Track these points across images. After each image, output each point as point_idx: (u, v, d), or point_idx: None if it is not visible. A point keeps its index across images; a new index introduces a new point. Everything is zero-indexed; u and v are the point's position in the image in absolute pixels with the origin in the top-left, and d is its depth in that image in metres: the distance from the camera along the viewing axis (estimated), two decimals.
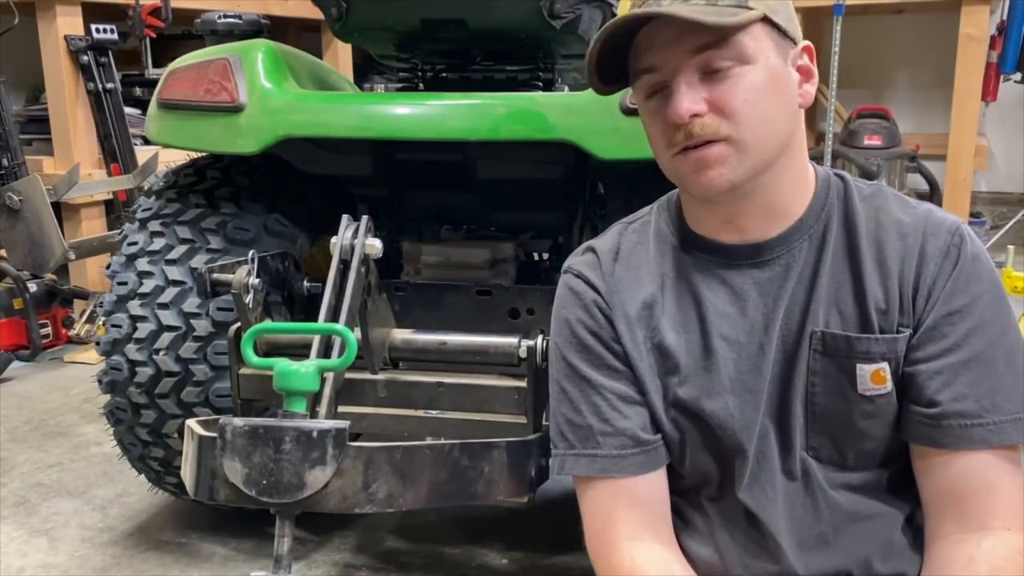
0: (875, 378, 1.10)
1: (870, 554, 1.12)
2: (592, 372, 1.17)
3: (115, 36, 3.86)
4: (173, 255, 2.03)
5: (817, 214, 1.14)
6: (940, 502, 1.10)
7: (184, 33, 4.38)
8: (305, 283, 2.12)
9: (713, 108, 1.03)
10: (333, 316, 1.59)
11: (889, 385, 1.10)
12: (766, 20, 1.04)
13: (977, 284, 1.09)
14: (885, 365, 1.10)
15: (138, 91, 4.37)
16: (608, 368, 1.16)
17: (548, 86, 2.32)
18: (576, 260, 1.24)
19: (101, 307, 2.21)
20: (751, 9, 1.03)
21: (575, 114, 1.86)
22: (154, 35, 4.08)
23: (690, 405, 1.14)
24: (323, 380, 1.45)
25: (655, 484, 1.17)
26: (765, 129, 1.06)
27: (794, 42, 1.09)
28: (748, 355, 1.13)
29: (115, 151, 3.96)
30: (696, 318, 1.15)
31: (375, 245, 1.67)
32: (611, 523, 1.16)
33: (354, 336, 1.45)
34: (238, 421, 1.33)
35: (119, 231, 2.21)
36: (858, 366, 1.10)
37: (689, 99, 1.03)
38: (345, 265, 1.64)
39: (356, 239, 1.66)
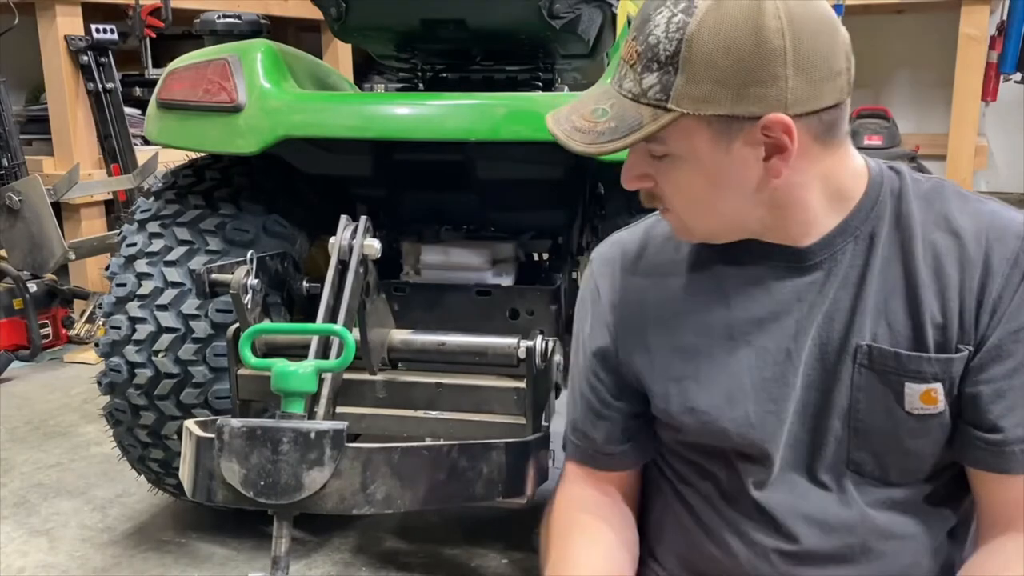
0: (925, 398, 1.02)
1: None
2: (588, 374, 1.18)
3: (115, 36, 3.86)
4: (172, 256, 2.03)
5: (866, 214, 1.04)
6: (995, 518, 1.04)
7: (184, 33, 4.37)
8: (304, 283, 2.12)
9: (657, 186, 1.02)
10: (331, 317, 1.59)
11: (941, 405, 1.02)
12: (696, 115, 0.93)
13: None
14: (938, 386, 1.01)
15: (138, 91, 4.36)
16: (598, 379, 1.18)
17: (548, 86, 2.32)
18: (600, 256, 1.20)
19: (100, 308, 2.21)
20: (667, 111, 0.93)
21: None
22: (154, 35, 4.08)
23: (708, 411, 1.09)
24: (321, 381, 1.45)
25: (623, 482, 1.20)
26: (709, 217, 1.02)
27: (757, 118, 0.93)
28: (774, 362, 1.06)
29: (115, 151, 3.96)
30: (722, 320, 1.09)
31: (374, 246, 1.66)
32: (568, 506, 1.20)
33: (352, 337, 1.44)
34: (236, 422, 1.33)
35: (119, 231, 2.21)
36: (907, 384, 1.02)
37: (630, 172, 1.02)
38: (344, 266, 1.64)
39: (355, 239, 1.65)
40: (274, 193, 2.16)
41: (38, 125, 4.06)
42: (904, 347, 1.01)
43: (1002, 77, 4.64)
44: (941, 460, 1.05)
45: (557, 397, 1.81)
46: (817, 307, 1.05)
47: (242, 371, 1.74)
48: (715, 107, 0.93)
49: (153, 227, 2.10)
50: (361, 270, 1.65)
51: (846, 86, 0.97)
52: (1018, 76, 4.68)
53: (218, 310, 1.98)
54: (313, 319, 1.62)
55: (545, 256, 2.45)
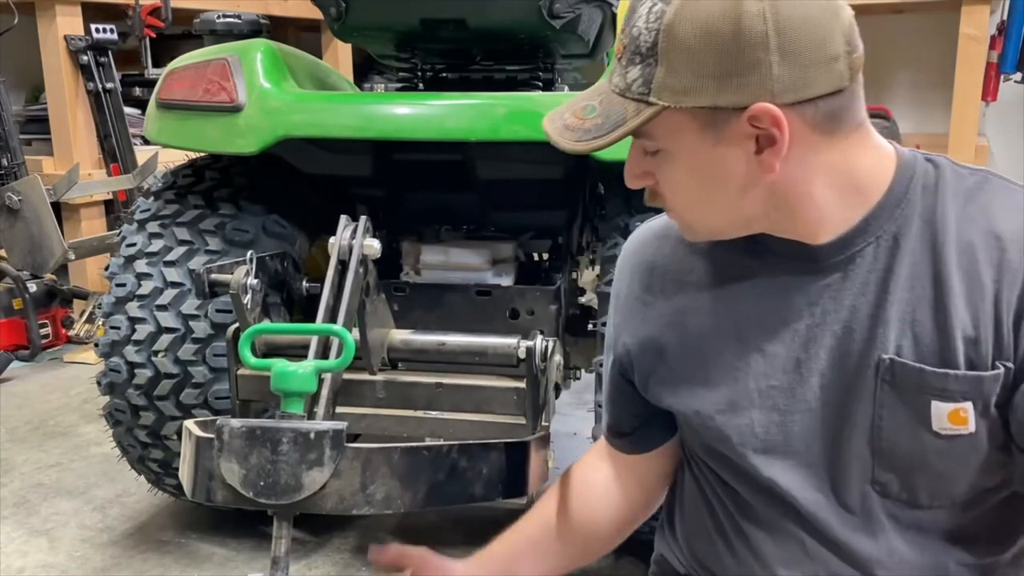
0: (953, 418, 0.93)
1: None
2: (606, 362, 1.22)
3: (115, 36, 3.86)
4: (171, 256, 2.03)
5: (889, 212, 0.95)
6: None
7: (184, 33, 4.38)
8: (304, 283, 2.12)
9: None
10: (331, 317, 1.59)
11: (972, 426, 0.92)
12: (679, 108, 0.88)
13: None
14: (967, 405, 0.92)
15: (138, 91, 4.37)
16: (609, 373, 1.20)
17: (548, 86, 2.32)
18: (629, 245, 1.17)
19: (100, 308, 2.21)
20: (649, 105, 0.89)
21: None
22: (154, 35, 4.08)
23: (713, 416, 1.04)
24: (321, 381, 1.44)
25: (635, 465, 1.23)
26: (706, 214, 0.97)
27: (742, 108, 0.87)
28: (783, 370, 1.00)
29: (115, 151, 3.96)
30: (732, 319, 1.03)
31: (373, 245, 1.66)
32: (576, 468, 1.29)
33: (352, 337, 1.44)
34: (235, 422, 1.32)
35: (118, 231, 2.21)
36: (933, 403, 0.93)
37: (630, 171, 0.99)
38: (343, 266, 1.64)
39: (355, 239, 1.65)
40: (274, 193, 2.16)
41: (38, 125, 4.06)
42: (930, 362, 0.92)
43: (1002, 77, 4.63)
44: (979, 484, 0.96)
45: (557, 397, 1.81)
46: (832, 315, 0.97)
47: (242, 371, 1.74)
48: (696, 98, 0.87)
49: (153, 227, 2.10)
50: (361, 270, 1.65)
51: (847, 71, 0.89)
52: (1018, 76, 4.67)
53: (218, 310, 1.98)
54: (313, 319, 1.61)
55: (545, 256, 2.45)
